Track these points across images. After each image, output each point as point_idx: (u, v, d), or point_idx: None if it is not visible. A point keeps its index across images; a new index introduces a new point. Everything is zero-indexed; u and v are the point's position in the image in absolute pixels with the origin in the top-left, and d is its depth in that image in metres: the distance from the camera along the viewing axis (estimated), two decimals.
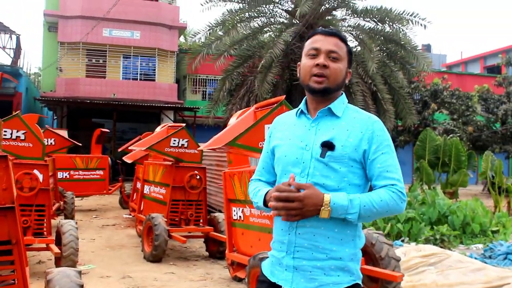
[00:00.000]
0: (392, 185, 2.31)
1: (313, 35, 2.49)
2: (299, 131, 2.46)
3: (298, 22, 17.57)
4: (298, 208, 2.21)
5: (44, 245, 7.24)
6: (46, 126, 13.97)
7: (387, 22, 17.48)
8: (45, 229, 7.28)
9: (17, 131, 7.02)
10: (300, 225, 2.31)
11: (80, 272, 3.85)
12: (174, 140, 9.02)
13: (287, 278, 2.34)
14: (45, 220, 7.28)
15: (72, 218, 11.27)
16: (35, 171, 7.14)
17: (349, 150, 2.32)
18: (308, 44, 2.47)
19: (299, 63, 2.51)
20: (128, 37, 27.47)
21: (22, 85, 25.47)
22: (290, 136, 2.47)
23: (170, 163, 9.20)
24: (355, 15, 18.10)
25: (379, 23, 17.72)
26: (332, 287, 2.29)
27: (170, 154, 9.03)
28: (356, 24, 18.15)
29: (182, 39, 34.82)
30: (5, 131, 6.85)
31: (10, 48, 27.68)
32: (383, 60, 17.65)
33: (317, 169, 2.33)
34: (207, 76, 30.58)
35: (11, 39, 27.61)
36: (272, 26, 18.60)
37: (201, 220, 9.11)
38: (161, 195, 9.37)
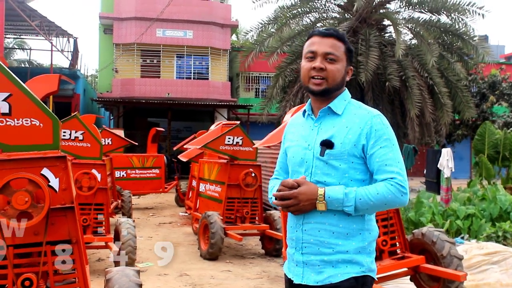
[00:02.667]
0: (392, 178, 2.36)
1: (310, 36, 2.55)
2: (304, 131, 2.58)
3: (351, 16, 17.33)
4: (294, 204, 2.37)
5: (103, 243, 7.36)
6: (103, 126, 14.25)
7: (443, 12, 17.01)
8: (104, 227, 7.42)
9: (75, 132, 7.16)
10: (306, 222, 2.43)
11: (138, 272, 3.87)
12: (229, 138, 9.03)
13: (298, 273, 2.47)
14: (103, 219, 7.41)
15: (130, 216, 11.44)
16: (93, 171, 7.28)
17: (348, 147, 2.40)
18: (306, 47, 2.55)
19: (300, 62, 2.59)
20: (181, 36, 27.76)
21: (80, 86, 26.15)
22: (297, 137, 2.61)
23: (225, 161, 9.21)
24: (410, 7, 17.72)
25: (434, 14, 17.26)
26: (340, 277, 2.37)
27: (225, 152, 9.04)
28: (411, 16, 17.76)
29: (234, 37, 34.96)
30: (64, 132, 6.99)
31: (68, 51, 28.44)
32: (440, 53, 17.19)
33: (318, 168, 2.44)
34: (260, 74, 30.62)
35: (68, 42, 28.34)
36: (325, 21, 18.37)
37: (256, 218, 9.07)
38: (216, 193, 9.39)
